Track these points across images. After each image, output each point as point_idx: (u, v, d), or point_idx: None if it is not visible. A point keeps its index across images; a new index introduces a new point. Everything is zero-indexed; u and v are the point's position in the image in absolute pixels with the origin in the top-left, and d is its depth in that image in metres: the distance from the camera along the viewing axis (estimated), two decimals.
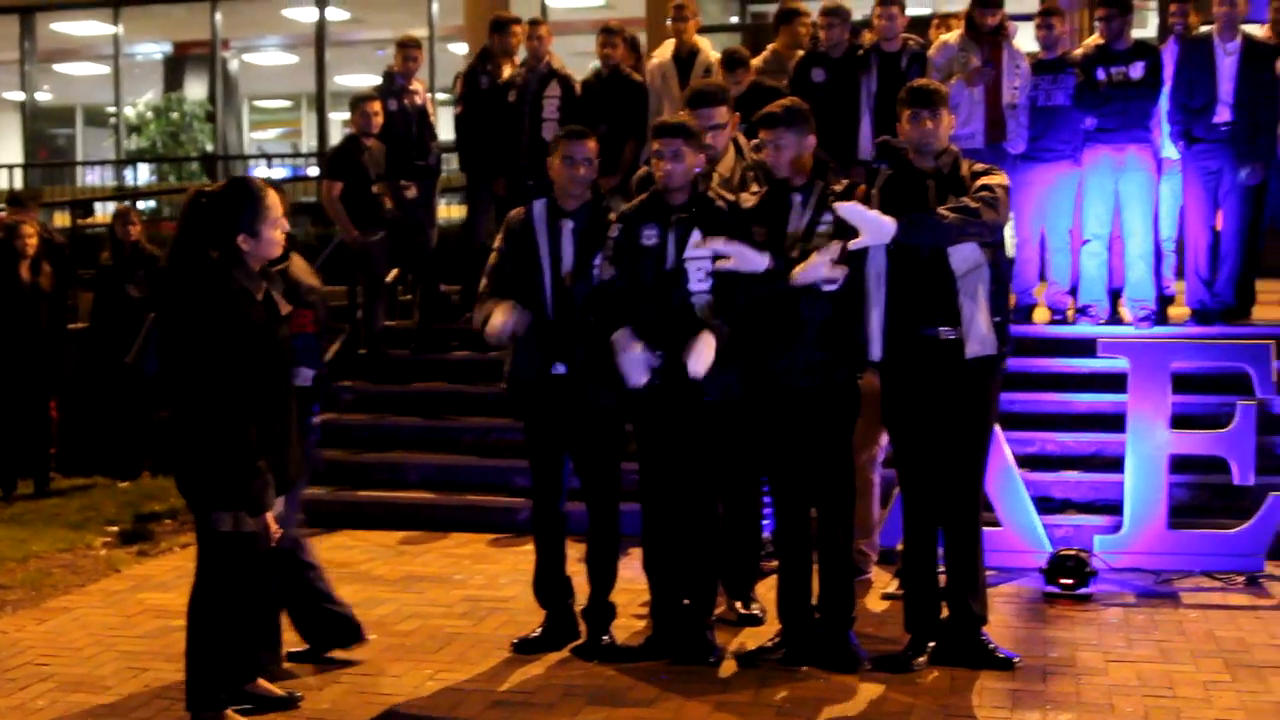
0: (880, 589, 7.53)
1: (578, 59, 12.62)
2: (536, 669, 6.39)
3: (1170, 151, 10.23)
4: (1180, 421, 8.01)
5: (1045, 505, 8.28)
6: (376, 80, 11.84)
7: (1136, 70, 10.00)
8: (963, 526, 6.29)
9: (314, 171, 20.25)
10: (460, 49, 19.74)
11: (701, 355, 6.06)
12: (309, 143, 22.99)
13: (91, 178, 22.65)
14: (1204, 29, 10.21)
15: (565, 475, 6.66)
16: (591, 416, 6.48)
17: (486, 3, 17.30)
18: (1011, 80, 9.96)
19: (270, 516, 5.46)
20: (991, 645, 6.32)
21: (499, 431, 9.84)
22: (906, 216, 5.99)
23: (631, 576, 7.00)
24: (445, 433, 10.36)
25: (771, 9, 11.49)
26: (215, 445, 5.35)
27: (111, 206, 13.59)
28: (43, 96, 24.74)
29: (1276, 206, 10.31)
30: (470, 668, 6.41)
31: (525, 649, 6.63)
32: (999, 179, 6.20)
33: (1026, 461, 8.52)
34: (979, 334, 6.10)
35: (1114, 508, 8.10)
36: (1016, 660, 6.28)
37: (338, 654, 6.48)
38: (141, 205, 13.79)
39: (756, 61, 10.66)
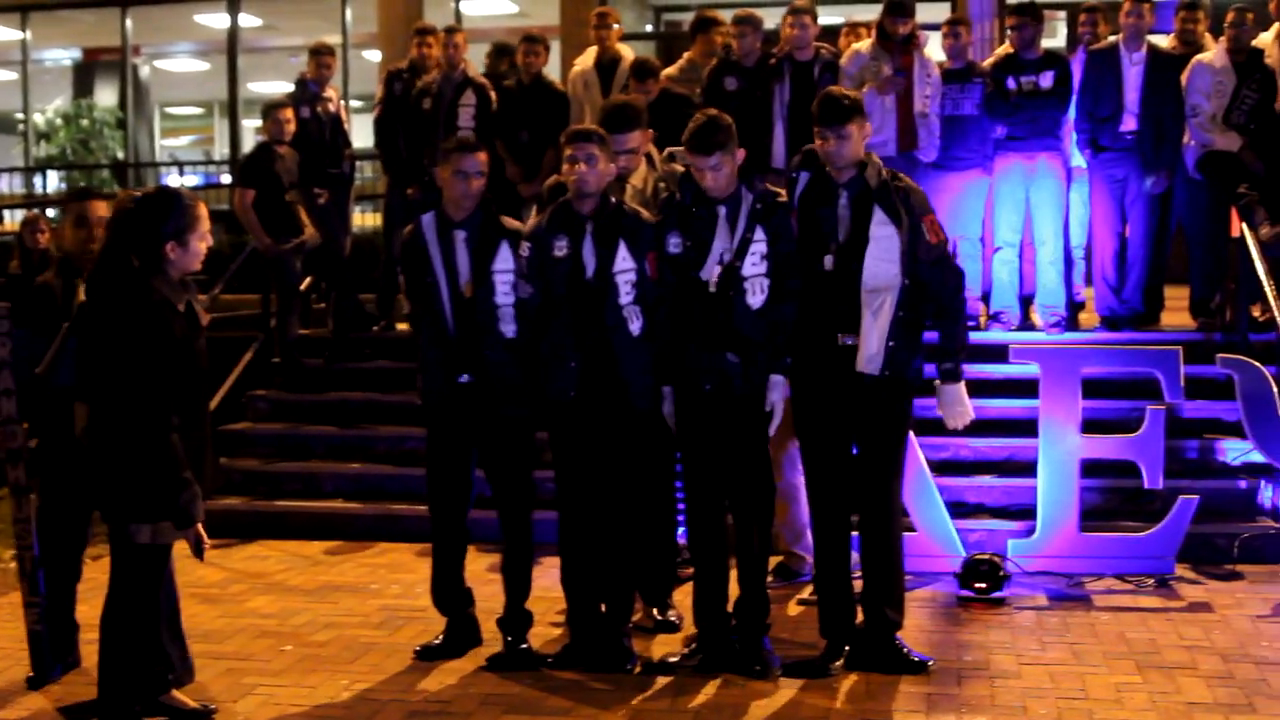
0: (795, 594, 7.54)
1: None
2: (452, 678, 6.34)
3: (1080, 160, 10.33)
4: (1091, 426, 8.09)
5: (959, 510, 8.34)
6: (289, 87, 11.74)
7: (1046, 80, 10.09)
8: (879, 532, 6.30)
9: (226, 179, 20.08)
10: (374, 56, 19.61)
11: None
12: (221, 150, 22.75)
13: None
14: (1111, 39, 10.32)
15: (471, 484, 6.62)
16: (502, 425, 6.46)
17: (401, 10, 17.20)
18: (923, 89, 10.00)
19: (201, 527, 5.39)
20: (906, 649, 6.34)
21: (414, 440, 9.74)
22: (950, 359, 6.41)
23: (549, 585, 6.97)
24: (360, 442, 10.29)
25: (686, 18, 11.50)
26: (137, 457, 5.28)
27: (20, 214, 13.39)
28: None
29: (1182, 214, 10.43)
30: (386, 678, 6.36)
31: (428, 656, 6.61)
32: (918, 199, 6.25)
33: (940, 467, 8.58)
34: (868, 352, 6.14)
35: (1027, 512, 8.18)
36: (931, 664, 6.31)
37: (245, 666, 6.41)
38: (51, 213, 13.56)
39: (672, 70, 10.69)
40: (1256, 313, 9.94)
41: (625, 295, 6.25)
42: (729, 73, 10.20)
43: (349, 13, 20.05)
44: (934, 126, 10.03)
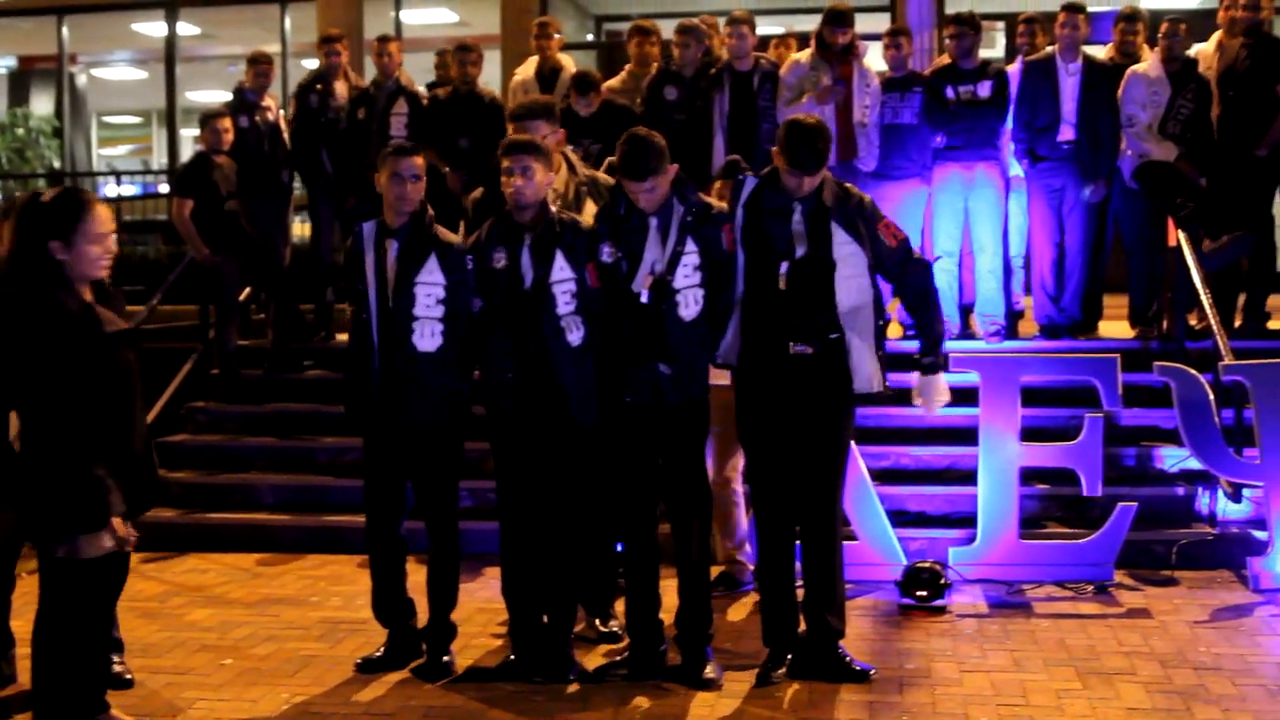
0: (743, 601, 7.56)
1: (429, 76, 12.54)
2: (394, 691, 6.31)
3: (1018, 169, 10.40)
4: (1030, 434, 8.16)
5: (900, 518, 8.37)
6: (228, 96, 11.68)
7: (984, 89, 10.15)
8: (821, 541, 6.32)
9: (164, 189, 19.90)
10: (314, 64, 19.51)
11: None
12: (159, 159, 22.58)
13: None
14: (1048, 49, 10.39)
15: (403, 495, 6.61)
16: (427, 435, 6.45)
17: (340, 18, 17.14)
18: (862, 99, 10.04)
19: (118, 521, 5.24)
20: (848, 658, 6.35)
21: (355, 451, 9.62)
22: (931, 353, 6.55)
23: (490, 596, 6.95)
24: (300, 453, 10.23)
25: (627, 28, 11.50)
26: (44, 471, 5.17)
27: None
28: None
29: (1120, 223, 10.52)
30: (328, 690, 6.32)
31: (368, 669, 6.57)
32: (869, 208, 6.31)
33: (881, 475, 8.62)
34: (864, 372, 6.20)
35: (968, 520, 8.20)
36: (873, 672, 6.33)
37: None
38: None
39: (614, 82, 10.69)
40: (1193, 321, 10.04)
41: (564, 305, 6.24)
42: (669, 82, 10.23)
43: (288, 21, 19.96)
44: (873, 136, 10.07)
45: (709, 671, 6.29)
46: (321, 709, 6.09)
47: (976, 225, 10.22)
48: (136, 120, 24.55)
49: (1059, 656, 6.64)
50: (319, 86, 11.31)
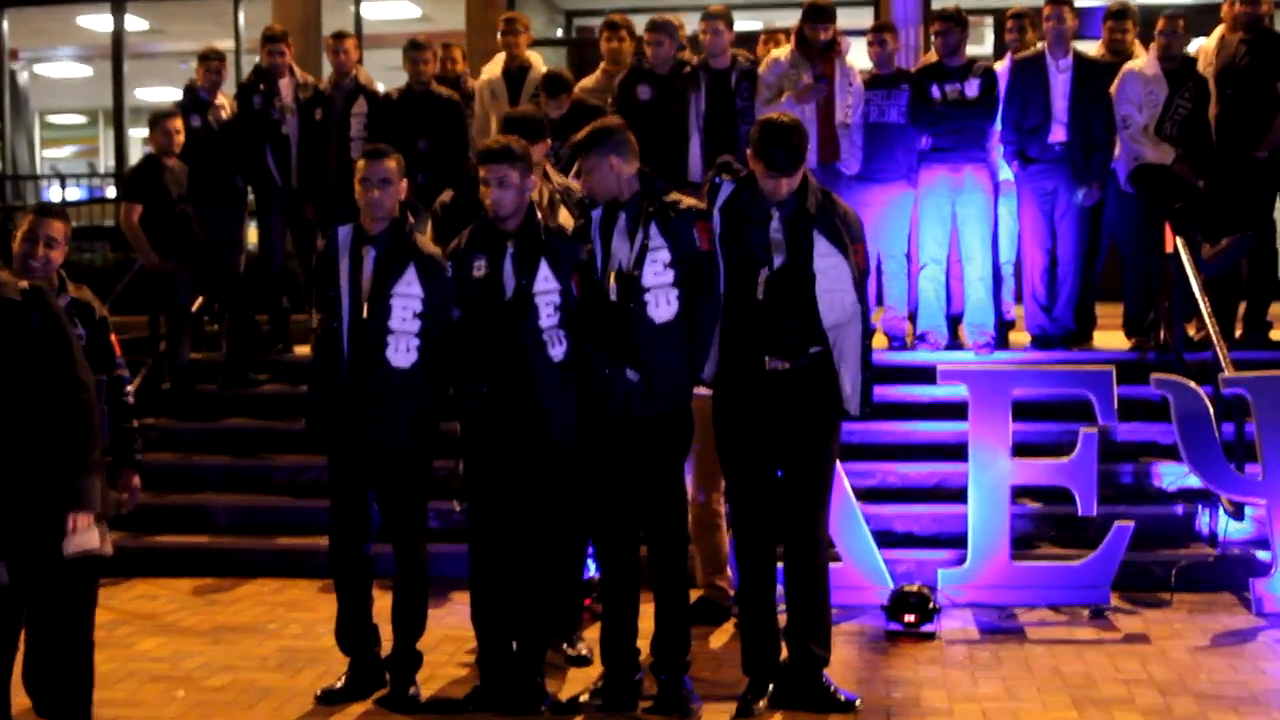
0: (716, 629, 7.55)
1: (396, 74, 12.51)
2: None
3: (1007, 173, 10.40)
4: (1022, 450, 8.17)
5: (887, 539, 8.38)
6: (179, 95, 11.63)
7: (972, 88, 10.13)
8: (805, 564, 6.32)
9: (112, 193, 19.83)
10: None
11: None
12: (106, 162, 22.49)
13: None
14: (1038, 46, 10.40)
15: (369, 515, 6.59)
16: (396, 454, 6.43)
17: (296, 13, 17.07)
18: (844, 98, 10.03)
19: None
20: (833, 687, 6.35)
21: (314, 470, 9.67)
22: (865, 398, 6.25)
23: (457, 623, 6.93)
24: (256, 472, 10.19)
25: (599, 23, 11.46)
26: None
27: None
28: None
29: (1114, 229, 10.53)
30: None
31: (329, 700, 6.56)
32: (855, 225, 6.32)
33: (867, 494, 8.62)
34: (844, 392, 6.20)
35: (958, 540, 8.22)
36: (858, 702, 6.33)
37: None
38: None
39: (588, 82, 10.65)
40: (1191, 331, 10.08)
41: (547, 317, 6.24)
42: (641, 81, 10.13)
43: (242, 16, 19.88)
44: (856, 138, 10.07)
45: (686, 701, 6.28)
46: None
47: (965, 231, 10.21)
48: (82, 120, 24.46)
49: (1053, 684, 6.65)
50: (262, 86, 11.26)
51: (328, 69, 11.76)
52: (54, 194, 21.25)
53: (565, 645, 7.00)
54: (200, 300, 11.40)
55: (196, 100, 11.24)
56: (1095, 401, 7.96)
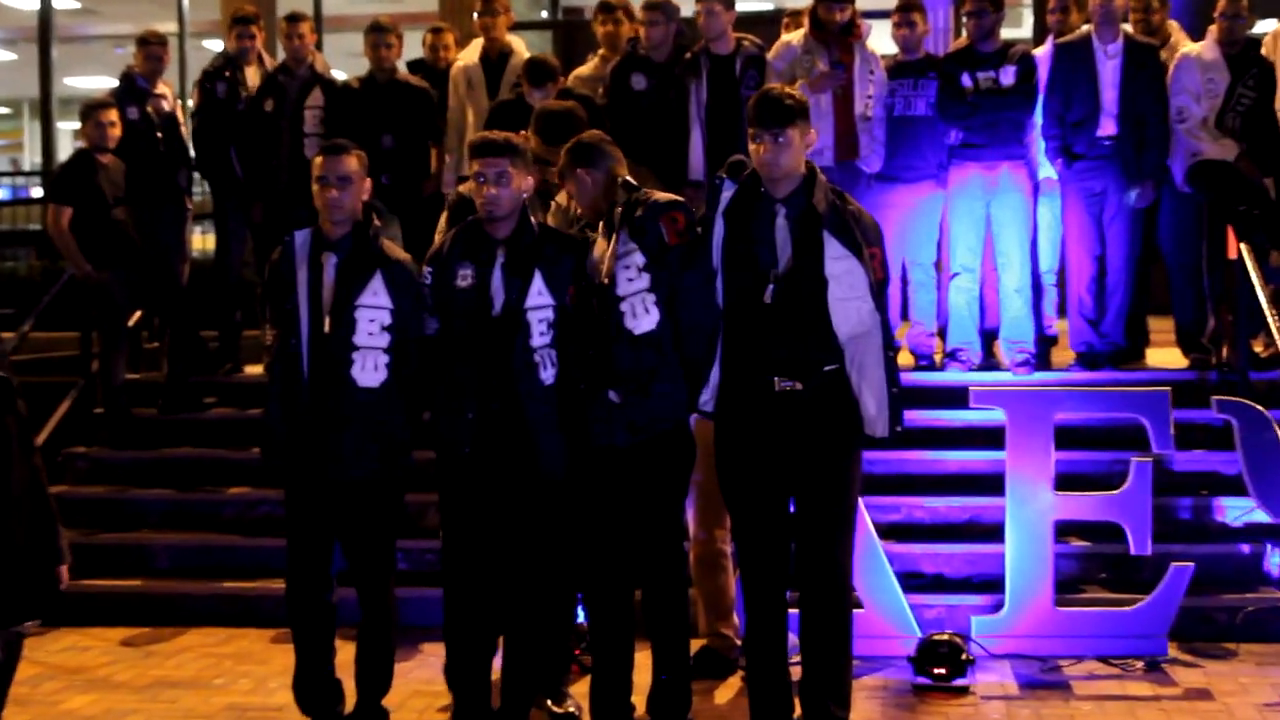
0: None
1: (358, 60, 12.53)
2: None
3: (1049, 170, 10.40)
4: (1066, 482, 8.15)
5: (913, 582, 8.39)
6: (114, 83, 11.63)
7: (1007, 76, 10.11)
8: (822, 610, 6.31)
9: (38, 193, 19.85)
10: (217, 46, 19.47)
11: None
12: (32, 158, 22.55)
13: None
14: (1084, 29, 10.32)
15: (331, 556, 6.58)
16: (363, 487, 6.42)
17: None
18: (864, 88, 10.01)
19: None
20: None
21: (268, 505, 9.68)
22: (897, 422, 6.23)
23: (428, 677, 6.92)
24: (202, 507, 10.17)
25: (588, 4, 11.48)
26: None
27: None
28: None
29: (1169, 233, 10.53)
30: None
31: None
32: (871, 227, 6.31)
33: (891, 531, 8.63)
34: (868, 414, 6.20)
35: (993, 584, 8.22)
36: None
37: None
38: None
39: (585, 70, 10.66)
40: (1258, 348, 10.08)
41: (539, 336, 6.26)
42: (636, 69, 10.10)
43: None
44: (878, 132, 10.06)
45: None
46: None
47: (1001, 236, 10.20)
48: (5, 111, 24.51)
49: None
50: (228, 74, 11.28)
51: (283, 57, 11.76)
52: None
53: (551, 703, 6.97)
54: (138, 314, 11.40)
55: (134, 89, 11.23)
56: (1149, 427, 7.95)
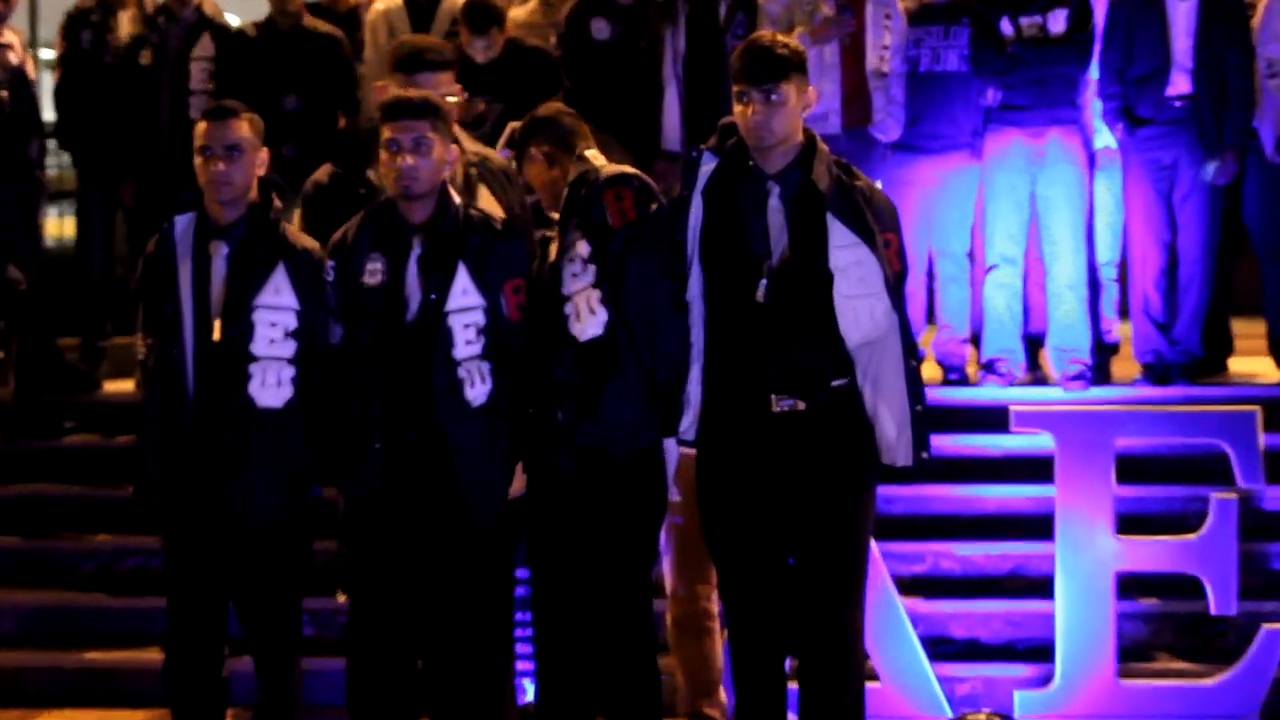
0: None
1: (256, 3, 12.49)
2: None
3: (1107, 139, 10.41)
4: (1131, 524, 8.17)
5: (942, 649, 8.39)
6: None
7: (1057, 22, 10.13)
8: (827, 685, 6.27)
9: None
10: None
11: None
12: None
13: None
14: None
15: (225, 621, 6.54)
16: (264, 531, 6.38)
17: None
18: (879, 36, 10.04)
19: None
20: None
21: (142, 555, 9.64)
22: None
23: None
24: (58, 558, 10.11)
25: None
26: None
27: None
28: None
29: (1257, 214, 10.53)
30: None
31: None
32: (885, 208, 6.28)
33: (914, 585, 8.65)
34: (887, 436, 6.17)
35: (1041, 650, 8.24)
36: None
37: None
38: None
39: (520, 13, 10.64)
40: None
41: (464, 345, 6.22)
42: (597, 13, 10.09)
43: None
44: (896, 91, 10.10)
45: None
46: None
47: (1048, 220, 10.21)
48: None
49: None
50: (95, 18, 11.24)
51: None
52: None
53: None
54: None
55: None
56: (1233, 455, 7.96)
